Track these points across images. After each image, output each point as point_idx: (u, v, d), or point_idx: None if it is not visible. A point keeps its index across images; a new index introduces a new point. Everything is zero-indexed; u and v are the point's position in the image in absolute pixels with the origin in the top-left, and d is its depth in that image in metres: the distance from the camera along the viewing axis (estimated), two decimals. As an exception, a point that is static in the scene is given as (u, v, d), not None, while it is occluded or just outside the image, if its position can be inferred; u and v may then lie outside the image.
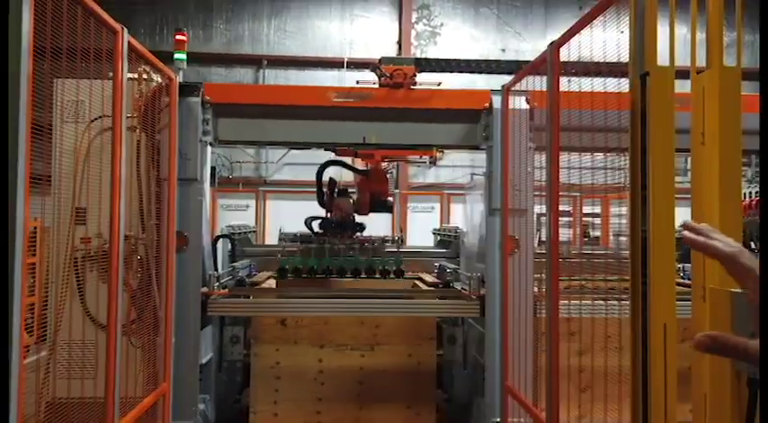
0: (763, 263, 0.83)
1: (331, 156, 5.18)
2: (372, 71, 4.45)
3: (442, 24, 13.66)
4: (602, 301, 2.63)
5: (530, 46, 13.08)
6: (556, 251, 2.80)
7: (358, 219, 5.27)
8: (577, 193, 2.94)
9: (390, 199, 5.30)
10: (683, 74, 1.96)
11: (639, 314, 1.85)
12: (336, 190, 5.22)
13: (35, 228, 4.02)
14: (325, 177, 5.20)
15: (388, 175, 5.36)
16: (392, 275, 4.84)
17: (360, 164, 5.45)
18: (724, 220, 1.67)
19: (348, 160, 5.41)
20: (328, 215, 5.21)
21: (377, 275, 4.84)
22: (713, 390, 1.61)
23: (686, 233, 0.97)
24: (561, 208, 2.90)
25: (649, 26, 1.89)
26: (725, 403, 1.57)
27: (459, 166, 12.83)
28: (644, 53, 1.90)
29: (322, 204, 5.23)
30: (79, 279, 3.23)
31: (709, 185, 1.70)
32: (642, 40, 1.92)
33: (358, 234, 5.23)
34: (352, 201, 5.22)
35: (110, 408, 2.74)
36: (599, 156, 2.59)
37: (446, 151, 5.59)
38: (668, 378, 1.73)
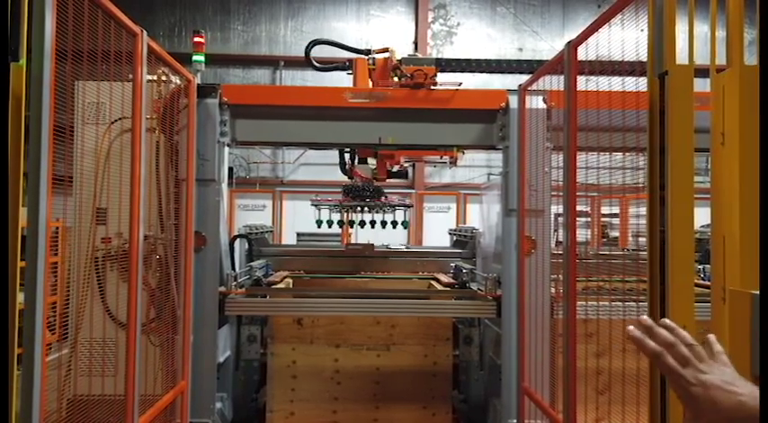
0: (764, 263, 0.82)
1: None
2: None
3: (458, 24, 13.62)
4: (619, 303, 2.61)
5: (547, 45, 12.99)
6: (573, 252, 2.78)
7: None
8: (595, 193, 2.91)
9: (406, 165, 5.74)
10: (702, 73, 1.93)
11: (657, 316, 1.83)
12: (356, 158, 5.52)
13: (57, 228, 4.10)
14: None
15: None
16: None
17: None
18: (744, 222, 1.64)
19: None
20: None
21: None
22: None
23: (631, 328, 1.01)
24: (579, 208, 2.88)
25: (668, 24, 1.87)
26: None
27: (475, 166, 12.78)
28: (663, 52, 1.88)
29: (344, 172, 5.62)
30: (100, 278, 3.28)
31: (730, 186, 1.68)
32: (661, 38, 1.90)
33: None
34: (371, 167, 5.52)
35: (129, 405, 2.78)
36: (617, 156, 2.57)
37: (464, 152, 5.65)
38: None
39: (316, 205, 5.56)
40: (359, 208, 5.36)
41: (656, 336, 0.97)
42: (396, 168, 5.80)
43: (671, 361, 0.94)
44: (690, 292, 1.79)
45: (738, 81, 1.69)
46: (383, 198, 5.34)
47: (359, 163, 5.47)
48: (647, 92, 1.99)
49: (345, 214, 5.65)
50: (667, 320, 1.01)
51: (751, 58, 1.76)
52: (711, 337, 1.00)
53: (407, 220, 5.73)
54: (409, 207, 5.65)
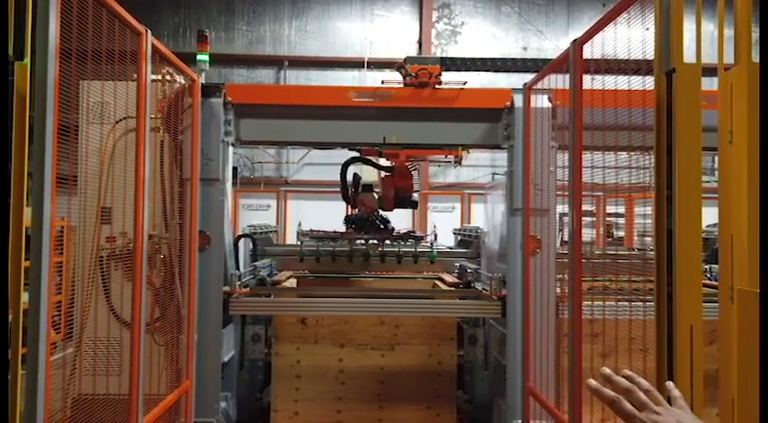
0: (763, 263, 0.82)
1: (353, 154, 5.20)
2: (397, 70, 4.44)
3: (462, 23, 13.60)
4: (626, 303, 2.59)
5: (552, 44, 12.95)
6: (579, 251, 2.77)
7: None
8: (601, 193, 2.90)
9: (415, 195, 5.28)
10: (708, 72, 1.92)
11: (665, 316, 1.81)
12: (360, 186, 5.23)
13: (62, 227, 4.11)
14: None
15: (413, 172, 5.33)
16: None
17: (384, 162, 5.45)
18: (752, 220, 1.62)
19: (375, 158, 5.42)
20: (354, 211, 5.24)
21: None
22: (741, 394, 1.57)
23: (589, 380, 1.07)
24: (585, 208, 2.86)
25: (675, 22, 1.85)
26: (753, 408, 1.52)
27: (480, 165, 12.76)
28: (670, 50, 1.87)
29: (347, 200, 5.26)
30: (104, 277, 3.28)
31: (738, 185, 1.66)
32: (668, 36, 1.88)
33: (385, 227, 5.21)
34: (376, 196, 5.20)
35: (134, 404, 2.78)
36: (623, 155, 2.55)
37: (469, 151, 5.57)
38: (694, 381, 1.70)
39: (316, 240, 5.18)
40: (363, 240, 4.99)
41: (614, 384, 1.03)
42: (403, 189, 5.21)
43: (627, 406, 0.98)
44: (698, 292, 1.77)
45: (746, 78, 1.67)
46: (390, 229, 4.97)
47: (363, 191, 5.21)
48: (654, 90, 1.97)
49: (350, 245, 5.23)
50: (627, 371, 1.07)
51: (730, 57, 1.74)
52: (669, 383, 1.05)
53: (434, 254, 5.16)
54: (420, 238, 5.19)
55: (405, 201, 5.20)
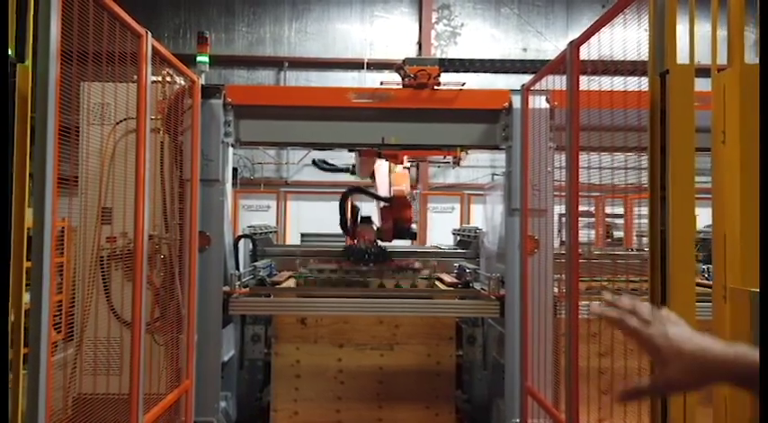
0: (763, 263, 0.84)
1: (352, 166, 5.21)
2: (396, 72, 4.46)
3: (462, 24, 13.63)
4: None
5: (551, 45, 12.97)
6: (576, 252, 2.79)
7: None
8: (597, 193, 2.92)
9: (414, 226, 5.22)
10: (703, 73, 1.93)
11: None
12: (359, 217, 5.24)
13: (63, 228, 4.13)
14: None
15: (411, 203, 5.27)
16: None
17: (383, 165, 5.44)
18: (745, 220, 1.64)
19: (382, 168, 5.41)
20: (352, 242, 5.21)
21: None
22: (732, 392, 1.59)
23: (593, 304, 1.06)
24: (583, 208, 2.88)
25: (669, 24, 1.87)
26: (745, 406, 1.54)
27: (480, 166, 12.79)
28: (664, 51, 1.89)
29: (345, 231, 5.26)
30: (105, 277, 3.30)
31: (731, 185, 1.68)
32: (662, 37, 1.90)
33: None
34: (375, 228, 5.20)
35: (134, 403, 2.80)
36: (619, 155, 2.57)
37: (468, 152, 5.58)
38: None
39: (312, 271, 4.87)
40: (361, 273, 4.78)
41: (618, 306, 1.03)
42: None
43: (633, 322, 0.99)
44: (690, 291, 1.79)
45: (739, 80, 1.69)
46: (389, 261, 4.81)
47: (361, 222, 5.19)
48: (649, 91, 1.99)
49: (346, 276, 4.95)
50: (627, 298, 1.07)
51: (753, 56, 1.76)
52: (665, 310, 1.05)
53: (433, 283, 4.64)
54: (417, 270, 4.91)
55: (403, 232, 5.18)
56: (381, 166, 5.38)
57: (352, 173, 5.48)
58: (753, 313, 1.46)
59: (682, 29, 1.91)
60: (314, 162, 6.16)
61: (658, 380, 0.96)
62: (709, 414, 1.77)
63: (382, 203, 5.28)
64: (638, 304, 1.02)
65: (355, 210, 5.26)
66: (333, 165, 6.45)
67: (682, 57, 1.89)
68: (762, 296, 0.85)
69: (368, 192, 5.32)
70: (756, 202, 1.68)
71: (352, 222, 5.21)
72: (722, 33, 1.81)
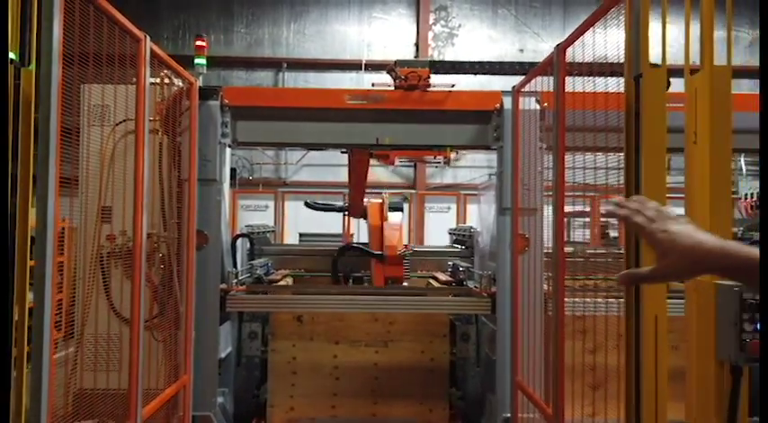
0: (763, 262, 0.92)
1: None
2: (388, 73, 4.54)
3: (459, 26, 13.71)
4: (609, 299, 2.68)
5: (548, 46, 12.94)
6: (561, 250, 2.86)
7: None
8: (581, 193, 3.00)
9: (405, 284, 5.24)
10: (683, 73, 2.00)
11: (633, 310, 1.91)
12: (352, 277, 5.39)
13: (63, 227, 4.19)
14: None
15: (405, 260, 5.22)
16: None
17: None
18: (714, 218, 1.73)
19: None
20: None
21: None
22: (698, 378, 1.67)
23: (604, 203, 1.18)
24: (577, 208, 2.94)
25: (643, 29, 1.95)
26: (710, 391, 1.62)
27: (476, 166, 12.86)
28: (639, 55, 1.97)
29: (337, 279, 5.40)
30: (105, 275, 3.37)
31: (701, 184, 1.76)
32: (638, 42, 1.98)
33: None
34: (366, 285, 5.33)
35: (133, 398, 2.86)
36: (610, 155, 2.64)
37: (464, 152, 5.67)
38: (659, 369, 1.79)
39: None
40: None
41: (626, 205, 1.13)
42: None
43: (640, 218, 1.08)
44: (662, 287, 1.87)
45: (709, 82, 1.77)
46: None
47: (354, 283, 5.34)
48: (624, 93, 2.07)
49: None
50: (636, 196, 1.18)
51: (723, 58, 1.84)
52: (669, 207, 1.15)
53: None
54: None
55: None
56: (374, 208, 5.48)
57: (346, 212, 5.51)
58: (717, 304, 1.55)
59: (658, 32, 1.99)
60: (306, 204, 6.30)
61: (656, 268, 1.05)
62: (681, 409, 1.84)
63: (375, 260, 5.24)
64: (644, 204, 1.11)
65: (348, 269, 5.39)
66: (329, 204, 6.59)
67: (657, 60, 1.96)
68: (762, 296, 0.92)
69: (361, 249, 5.39)
70: (726, 202, 1.76)
71: (344, 280, 5.36)
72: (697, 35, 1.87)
